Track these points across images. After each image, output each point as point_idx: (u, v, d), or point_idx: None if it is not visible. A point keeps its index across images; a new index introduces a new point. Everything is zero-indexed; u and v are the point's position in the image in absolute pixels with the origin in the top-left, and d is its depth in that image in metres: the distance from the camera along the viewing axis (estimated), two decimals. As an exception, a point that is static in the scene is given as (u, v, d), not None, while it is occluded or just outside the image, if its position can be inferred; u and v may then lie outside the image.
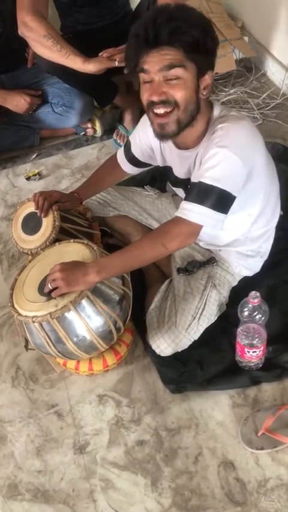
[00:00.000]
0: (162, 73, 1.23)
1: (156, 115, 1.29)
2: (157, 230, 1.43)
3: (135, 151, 1.59)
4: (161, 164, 1.57)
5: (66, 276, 1.30)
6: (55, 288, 1.31)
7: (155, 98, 1.26)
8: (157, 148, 1.53)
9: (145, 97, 1.28)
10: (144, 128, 1.50)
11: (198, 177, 1.29)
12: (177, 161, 1.47)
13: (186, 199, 1.31)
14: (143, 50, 1.22)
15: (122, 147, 1.65)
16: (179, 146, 1.43)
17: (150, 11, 1.25)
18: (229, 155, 1.25)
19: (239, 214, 1.42)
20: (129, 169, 1.66)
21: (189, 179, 1.43)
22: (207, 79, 1.28)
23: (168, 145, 1.45)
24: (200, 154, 1.35)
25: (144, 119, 1.49)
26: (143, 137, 1.54)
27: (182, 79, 1.24)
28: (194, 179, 1.31)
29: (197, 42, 1.21)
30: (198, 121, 1.33)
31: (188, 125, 1.31)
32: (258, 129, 1.40)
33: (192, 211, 1.28)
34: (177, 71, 1.23)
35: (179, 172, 1.50)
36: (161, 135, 1.33)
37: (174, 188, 1.63)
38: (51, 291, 1.33)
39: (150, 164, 1.63)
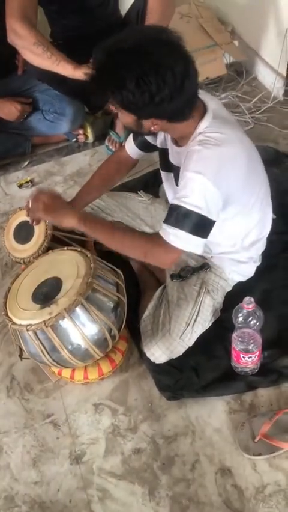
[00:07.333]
0: None
1: None
2: (146, 239, 1.44)
3: None
4: (159, 145, 1.54)
5: (48, 202, 1.39)
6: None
7: None
8: None
9: None
10: None
11: (177, 199, 1.29)
12: (173, 149, 1.46)
13: (167, 222, 1.31)
14: None
15: None
16: (172, 139, 1.43)
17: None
18: (204, 182, 1.24)
19: (229, 231, 1.45)
20: (134, 152, 1.63)
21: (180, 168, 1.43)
22: (152, 124, 1.28)
23: None
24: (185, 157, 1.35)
25: None
26: None
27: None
28: (173, 201, 1.31)
29: (118, 100, 1.21)
30: (175, 130, 1.33)
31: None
32: (248, 135, 1.39)
33: (174, 236, 1.29)
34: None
35: (173, 159, 1.48)
36: None
37: (164, 173, 1.59)
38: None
39: (153, 150, 1.60)
